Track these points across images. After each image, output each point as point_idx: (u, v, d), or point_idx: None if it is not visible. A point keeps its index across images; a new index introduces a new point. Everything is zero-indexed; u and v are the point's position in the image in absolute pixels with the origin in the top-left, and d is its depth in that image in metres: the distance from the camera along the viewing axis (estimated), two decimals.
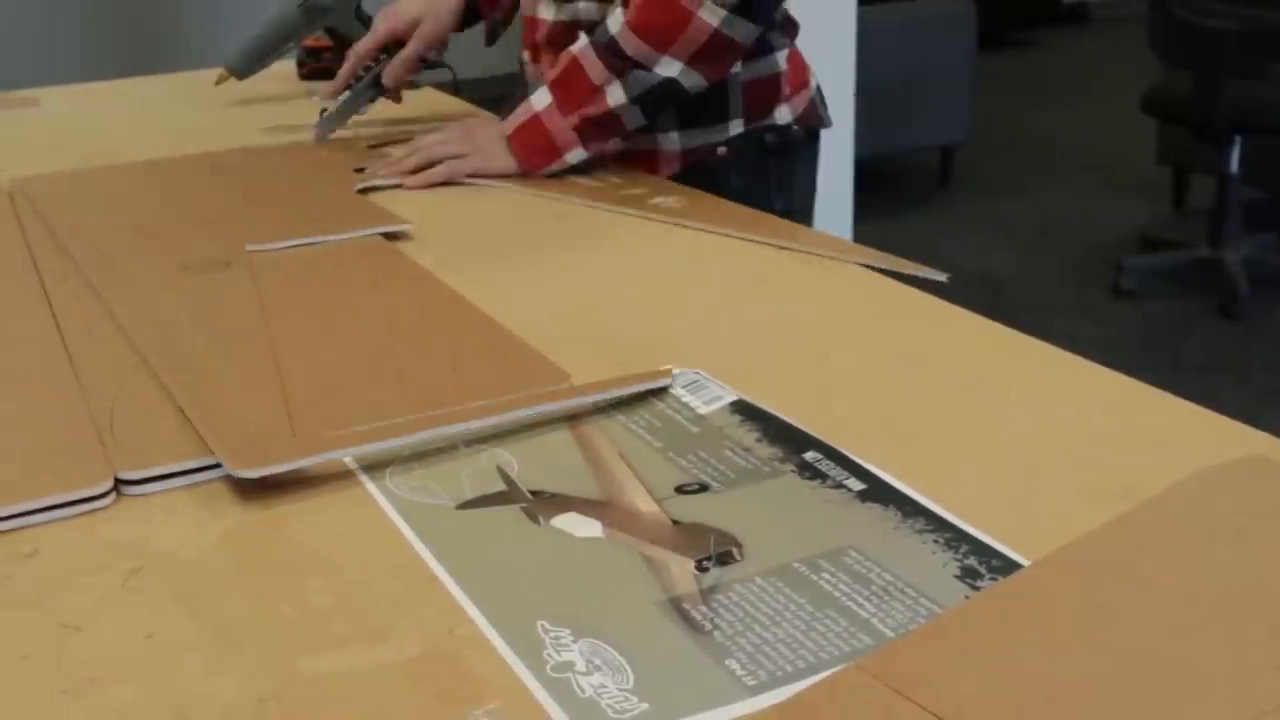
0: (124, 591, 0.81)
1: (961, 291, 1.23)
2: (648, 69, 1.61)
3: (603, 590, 0.80)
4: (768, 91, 1.76)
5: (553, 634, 0.75)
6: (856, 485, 0.90)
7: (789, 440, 0.97)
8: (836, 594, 0.78)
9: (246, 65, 2.24)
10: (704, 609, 0.77)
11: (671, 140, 1.75)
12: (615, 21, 1.63)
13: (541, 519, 0.88)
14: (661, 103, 1.65)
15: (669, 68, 1.61)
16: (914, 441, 0.97)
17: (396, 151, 1.79)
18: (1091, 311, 4.38)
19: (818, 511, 0.88)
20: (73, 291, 1.31)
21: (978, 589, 0.78)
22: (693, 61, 1.61)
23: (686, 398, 1.05)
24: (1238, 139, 4.37)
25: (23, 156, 1.96)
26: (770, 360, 1.11)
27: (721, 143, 1.75)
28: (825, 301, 1.24)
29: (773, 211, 1.66)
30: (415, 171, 1.72)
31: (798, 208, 1.84)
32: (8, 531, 0.88)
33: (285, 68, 2.45)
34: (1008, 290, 4.59)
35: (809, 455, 0.95)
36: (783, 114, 1.79)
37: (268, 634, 0.76)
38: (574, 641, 0.74)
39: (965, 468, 0.92)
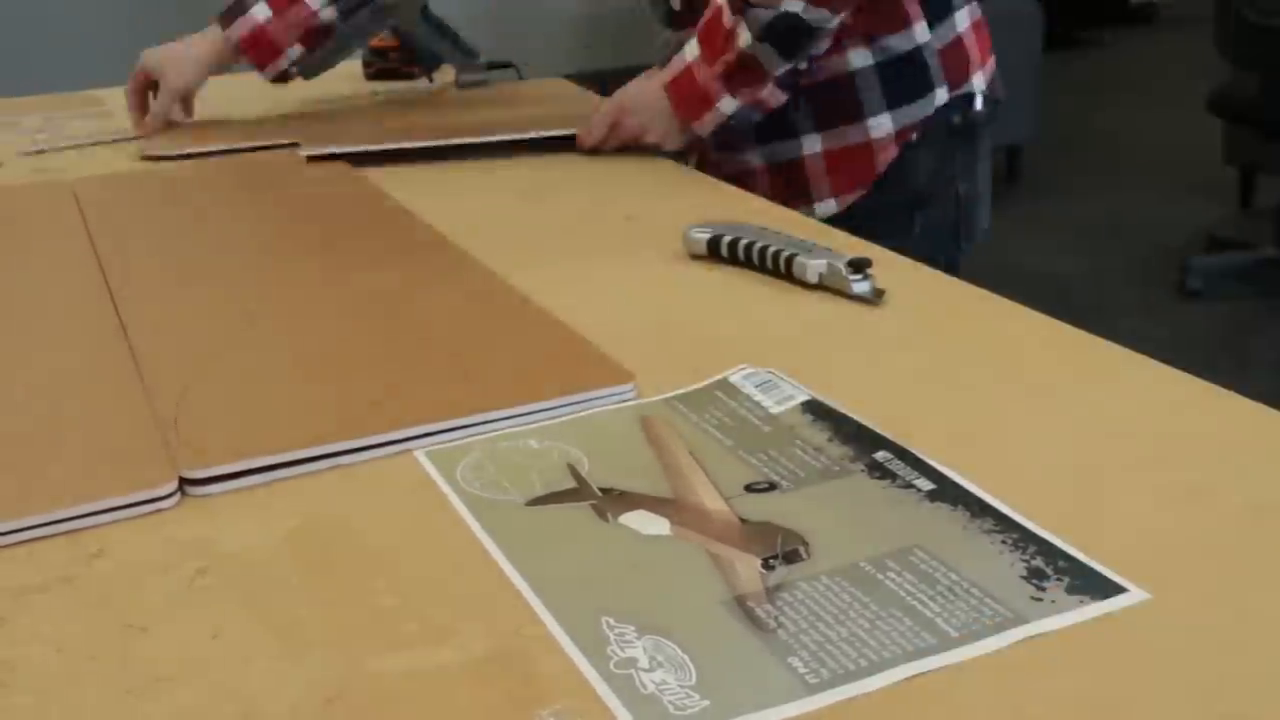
0: (190, 592, 0.82)
1: (1028, 291, 1.22)
2: (768, 6, 1.59)
3: (668, 588, 0.79)
4: (959, 56, 1.74)
5: (617, 630, 0.75)
6: (926, 485, 0.90)
7: (860, 440, 0.96)
8: (901, 593, 0.77)
9: (313, 64, 2.27)
10: (768, 607, 0.77)
11: (883, 124, 1.71)
12: None
13: (610, 516, 0.88)
14: (790, 40, 1.62)
15: (790, 3, 1.59)
16: (979, 441, 0.96)
17: (595, 124, 1.83)
18: (1158, 311, 4.35)
19: (886, 511, 0.87)
20: (138, 292, 1.31)
21: (1044, 589, 0.77)
22: None
23: (758, 396, 1.04)
24: None
25: (86, 157, 1.97)
26: (836, 359, 1.11)
27: (930, 116, 1.72)
28: (890, 300, 1.23)
29: (955, 194, 1.77)
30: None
31: (979, 192, 1.85)
32: (74, 532, 0.89)
33: (351, 67, 2.46)
34: (1074, 290, 4.56)
35: (879, 455, 0.94)
36: (978, 81, 1.78)
37: (334, 634, 0.76)
38: (637, 638, 0.74)
39: (1030, 468, 0.92)
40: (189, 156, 1.93)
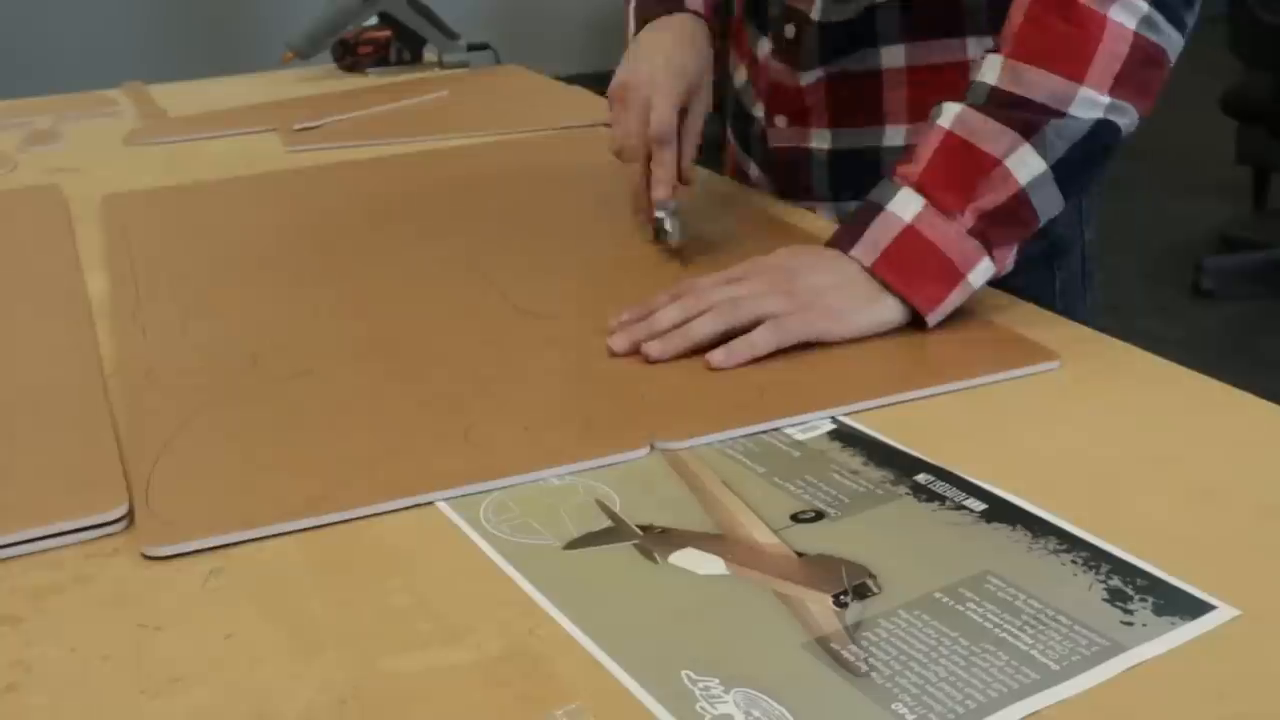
0: (204, 592, 0.82)
1: None
2: (1062, 113, 1.12)
3: (742, 632, 0.75)
4: None
5: (701, 684, 0.70)
6: (977, 505, 0.86)
7: (896, 463, 0.93)
8: (987, 625, 0.74)
9: (310, 46, 2.51)
10: (854, 648, 0.72)
11: None
12: (991, 67, 1.15)
13: (658, 556, 0.83)
14: (1090, 163, 1.15)
15: (1090, 106, 1.12)
16: (994, 444, 0.96)
17: (658, 297, 1.17)
18: (1171, 311, 4.34)
19: (944, 535, 0.84)
20: (140, 327, 1.24)
21: (1131, 612, 0.74)
22: (1117, 89, 1.13)
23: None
24: None
25: (104, 159, 1.97)
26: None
27: None
28: None
29: (1083, 242, 1.50)
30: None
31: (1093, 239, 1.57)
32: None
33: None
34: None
35: (920, 477, 0.90)
36: None
37: (347, 634, 0.76)
38: (726, 692, 0.69)
39: (1044, 469, 0.91)
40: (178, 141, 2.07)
